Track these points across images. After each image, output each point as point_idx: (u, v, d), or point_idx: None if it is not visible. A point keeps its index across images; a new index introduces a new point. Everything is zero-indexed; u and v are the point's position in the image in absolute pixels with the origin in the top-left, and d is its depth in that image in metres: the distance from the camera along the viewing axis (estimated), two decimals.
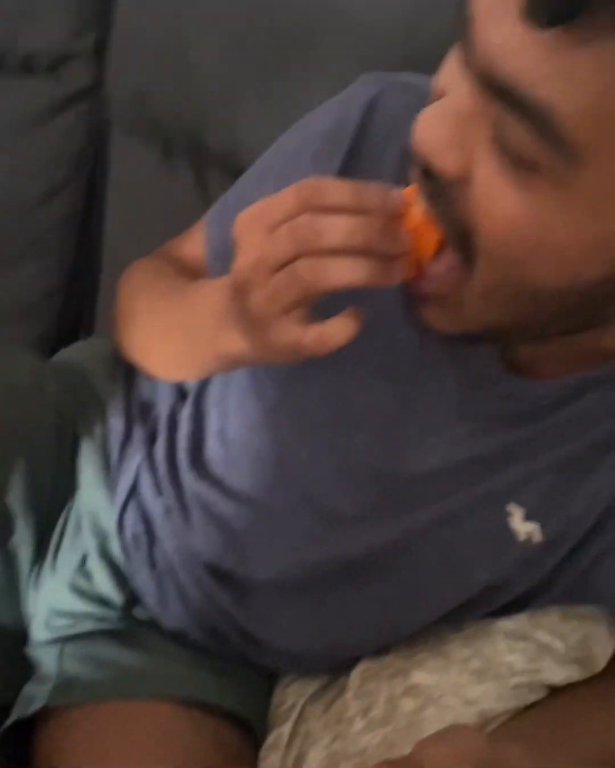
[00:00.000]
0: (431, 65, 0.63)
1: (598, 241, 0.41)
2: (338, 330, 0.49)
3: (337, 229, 0.45)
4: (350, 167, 0.62)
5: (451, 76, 0.43)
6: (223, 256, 0.68)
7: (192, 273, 0.77)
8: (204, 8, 0.87)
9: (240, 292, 0.50)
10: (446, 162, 0.43)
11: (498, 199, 0.42)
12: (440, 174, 0.44)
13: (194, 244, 0.78)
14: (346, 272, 0.46)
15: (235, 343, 0.55)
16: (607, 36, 0.34)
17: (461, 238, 0.46)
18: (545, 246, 0.42)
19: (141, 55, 0.94)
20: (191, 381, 0.77)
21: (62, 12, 0.98)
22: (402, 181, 0.59)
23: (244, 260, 0.49)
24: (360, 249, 0.46)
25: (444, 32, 0.72)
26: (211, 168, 0.97)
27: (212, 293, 0.62)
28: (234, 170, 0.93)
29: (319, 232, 0.46)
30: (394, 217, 0.46)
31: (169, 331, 0.70)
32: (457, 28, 0.41)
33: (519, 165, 0.40)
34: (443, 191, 0.45)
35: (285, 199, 0.47)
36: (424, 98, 0.60)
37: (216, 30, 0.87)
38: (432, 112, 0.43)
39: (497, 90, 0.39)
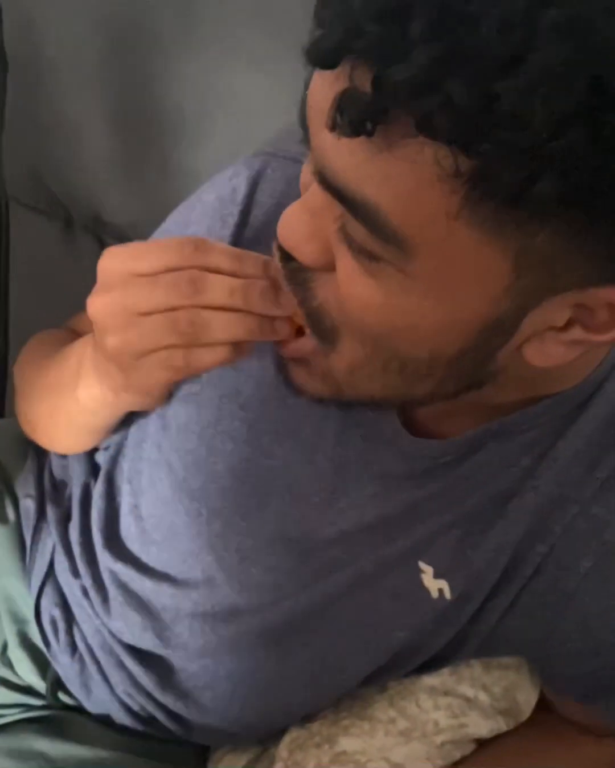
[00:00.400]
0: None
1: (447, 320, 0.43)
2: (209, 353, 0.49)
3: (219, 287, 0.47)
4: (241, 236, 0.63)
5: (305, 175, 0.45)
6: None
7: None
8: (91, 90, 0.88)
9: (99, 332, 0.50)
10: (305, 254, 0.45)
11: (355, 285, 0.44)
12: (305, 264, 0.46)
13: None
14: (227, 327, 0.47)
15: (91, 387, 0.55)
16: (408, 138, 0.36)
17: (315, 320, 0.48)
18: (402, 326, 0.44)
19: (33, 135, 0.94)
20: (75, 451, 0.77)
21: None
22: None
23: (103, 301, 0.49)
24: (239, 309, 0.47)
25: None
26: (112, 240, 0.98)
27: (78, 346, 0.62)
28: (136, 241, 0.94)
29: (200, 289, 0.46)
30: (273, 284, 0.48)
31: (43, 394, 0.70)
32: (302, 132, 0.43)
33: (364, 255, 0.42)
34: (300, 277, 0.47)
35: (166, 250, 0.47)
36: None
37: (105, 109, 0.88)
38: (292, 208, 0.45)
39: (331, 189, 0.41)
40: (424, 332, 0.44)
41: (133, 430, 0.76)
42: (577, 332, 0.44)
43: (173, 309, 0.47)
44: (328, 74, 0.38)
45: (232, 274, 0.47)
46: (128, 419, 0.79)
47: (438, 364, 0.46)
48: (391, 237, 0.39)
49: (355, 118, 0.36)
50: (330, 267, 0.45)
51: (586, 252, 0.39)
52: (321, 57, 0.37)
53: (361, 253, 0.42)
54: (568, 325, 0.44)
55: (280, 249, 0.47)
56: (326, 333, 0.48)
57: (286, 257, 0.47)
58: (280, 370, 0.55)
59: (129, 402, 0.60)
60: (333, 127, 0.37)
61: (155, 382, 0.51)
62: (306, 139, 0.43)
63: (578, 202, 0.36)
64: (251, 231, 0.63)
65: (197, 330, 0.47)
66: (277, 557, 0.65)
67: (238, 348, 0.49)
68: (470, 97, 0.33)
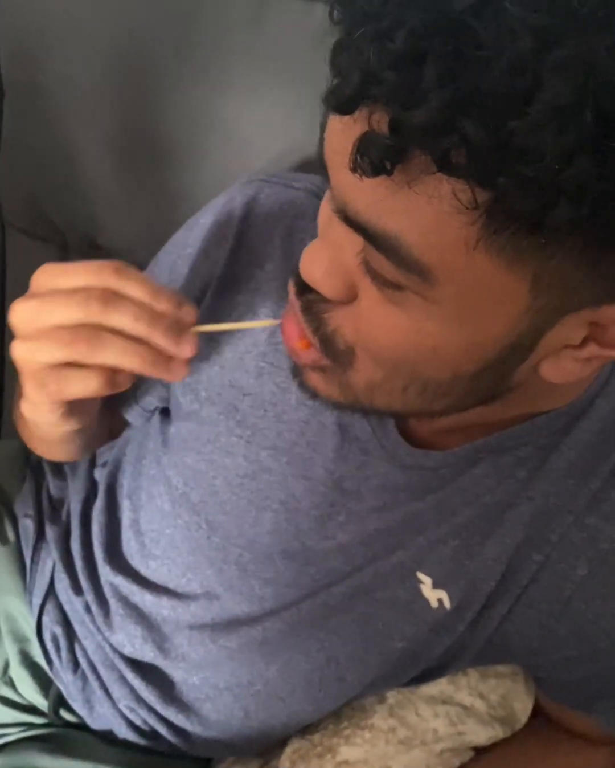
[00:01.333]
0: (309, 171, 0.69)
1: (469, 342, 0.46)
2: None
3: (127, 311, 0.48)
4: (236, 257, 0.65)
5: (324, 213, 0.48)
6: None
7: None
8: (85, 115, 0.90)
9: (14, 338, 0.51)
10: (327, 288, 0.47)
11: (379, 314, 0.46)
12: (327, 296, 0.48)
13: None
14: (122, 352, 0.48)
15: (28, 394, 0.54)
16: (426, 174, 0.38)
17: (329, 345, 0.50)
18: (425, 349, 0.46)
19: (30, 160, 0.96)
20: (68, 460, 0.78)
21: None
22: (285, 269, 0.63)
23: (22, 307, 0.49)
24: (141, 338, 0.48)
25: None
26: None
27: None
28: (132, 265, 0.96)
29: (109, 309, 0.48)
30: (179, 325, 0.49)
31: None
32: (322, 172, 0.45)
33: (387, 285, 0.44)
34: (314, 308, 0.49)
35: (89, 270, 0.49)
36: (300, 192, 0.65)
37: (101, 136, 0.90)
38: (314, 245, 0.48)
39: (353, 225, 0.43)
40: (446, 355, 0.46)
41: (132, 447, 0.78)
42: (592, 349, 0.46)
43: (80, 326, 0.48)
44: (346, 118, 0.40)
45: (145, 305, 0.48)
46: (126, 436, 0.80)
47: (458, 384, 0.49)
48: (414, 267, 0.42)
49: (375, 159, 0.38)
50: (350, 299, 0.47)
51: (600, 272, 0.41)
52: (340, 104, 0.39)
53: (384, 283, 0.44)
54: (583, 342, 0.46)
55: (297, 282, 0.49)
56: (340, 355, 0.50)
57: (302, 289, 0.49)
58: (295, 375, 0.56)
59: (46, 416, 0.56)
60: (354, 168, 0.39)
61: (49, 396, 0.51)
62: (326, 179, 0.45)
63: (590, 225, 0.38)
64: (245, 252, 0.65)
65: (92, 349, 0.48)
66: (277, 569, 0.67)
67: (112, 379, 0.50)
68: (485, 135, 0.35)
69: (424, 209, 0.40)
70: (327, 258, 0.47)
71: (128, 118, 0.88)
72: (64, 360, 0.49)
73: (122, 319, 0.48)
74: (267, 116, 0.85)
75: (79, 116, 0.90)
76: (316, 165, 0.82)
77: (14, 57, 0.94)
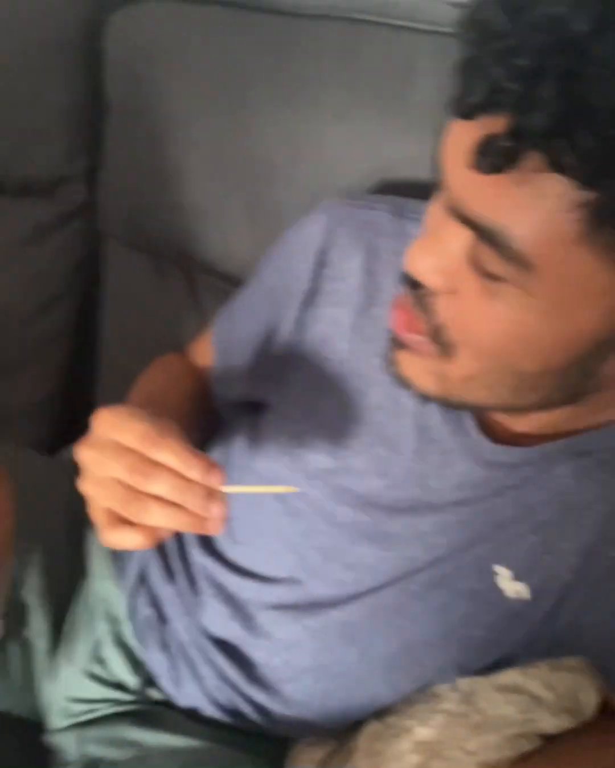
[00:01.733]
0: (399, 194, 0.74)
1: (562, 335, 0.50)
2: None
3: (162, 482, 0.54)
4: (322, 274, 0.71)
5: (434, 213, 0.54)
6: (224, 375, 0.80)
7: (202, 380, 0.85)
8: (188, 133, 0.96)
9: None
10: (433, 280, 0.53)
11: (479, 304, 0.52)
12: (432, 288, 0.53)
13: (202, 353, 0.87)
14: (161, 517, 0.54)
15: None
16: (539, 174, 0.44)
17: (437, 335, 0.55)
18: (520, 340, 0.51)
19: (131, 175, 1.03)
20: None
21: (56, 141, 1.08)
22: (367, 285, 0.68)
23: (86, 452, 0.56)
24: (178, 503, 0.54)
25: (411, 169, 0.84)
26: (201, 275, 1.05)
27: None
28: (222, 276, 1.02)
29: (148, 481, 0.54)
30: (209, 492, 0.54)
31: None
32: (436, 175, 0.52)
33: (490, 278, 0.50)
34: (424, 302, 0.55)
35: (135, 434, 0.54)
36: (381, 213, 0.70)
37: (200, 153, 0.96)
38: (421, 243, 0.54)
39: (465, 220, 0.49)
40: (539, 346, 0.51)
41: (220, 436, 0.83)
42: None
43: (129, 488, 0.54)
44: (468, 123, 0.46)
45: (180, 473, 0.54)
46: (214, 429, 0.86)
47: (548, 378, 0.53)
48: (519, 259, 0.47)
49: (494, 158, 0.44)
50: (454, 290, 0.53)
51: None
52: (466, 111, 0.46)
53: (486, 275, 0.50)
54: None
55: (408, 279, 0.55)
56: (446, 346, 0.55)
57: (412, 285, 0.55)
58: (389, 364, 0.61)
59: None
60: (475, 166, 0.45)
61: (104, 531, 0.57)
62: (441, 180, 0.51)
63: None
64: (330, 269, 0.71)
65: (139, 513, 0.54)
66: (358, 556, 0.71)
67: (156, 536, 0.56)
68: (593, 141, 0.41)
69: (534, 205, 0.45)
70: (434, 253, 0.52)
71: (225, 138, 0.95)
72: (117, 512, 0.55)
73: (160, 488, 0.54)
74: (355, 138, 0.90)
75: (180, 135, 0.97)
76: (399, 185, 0.88)
77: (120, 78, 1.01)
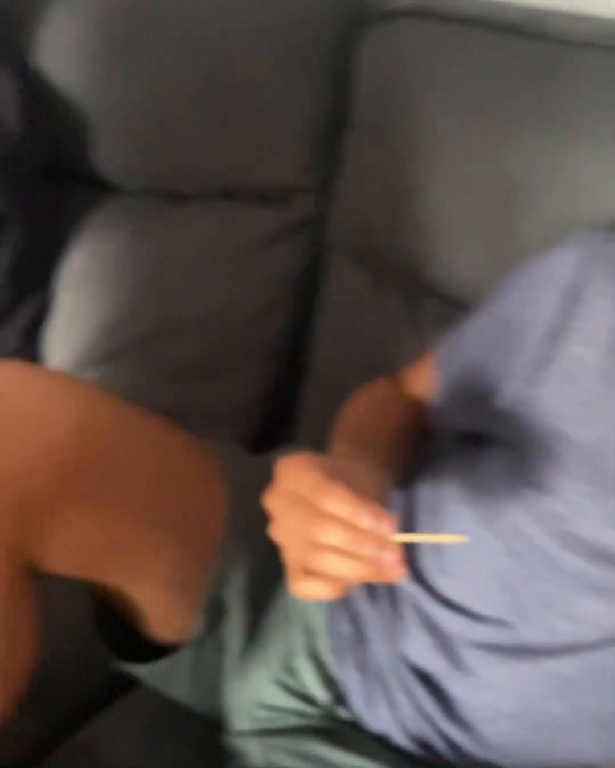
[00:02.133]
0: None
1: None
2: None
3: (334, 534, 0.53)
4: (569, 310, 0.69)
5: None
6: (447, 405, 0.79)
7: (417, 407, 0.84)
8: (434, 152, 0.96)
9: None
10: None
11: None
12: None
13: (421, 380, 0.85)
14: (340, 569, 0.54)
15: None
16: None
17: None
18: None
19: (367, 190, 1.04)
20: None
21: (294, 151, 1.10)
22: None
23: (271, 501, 0.58)
24: (352, 554, 0.53)
25: None
26: (422, 296, 1.04)
27: None
28: (445, 299, 1.01)
29: (321, 532, 0.53)
30: (381, 542, 0.53)
31: None
32: None
33: None
34: None
35: (308, 486, 0.55)
36: None
37: (444, 173, 0.95)
38: None
39: None
40: None
41: (430, 471, 0.81)
42: None
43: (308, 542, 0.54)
44: None
45: (350, 523, 0.53)
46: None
47: None
48: None
49: None
50: None
51: None
52: None
53: None
54: None
55: None
56: None
57: None
58: None
59: None
60: None
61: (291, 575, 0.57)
62: None
63: None
64: (580, 305, 0.68)
65: (320, 566, 0.54)
66: (581, 608, 0.68)
67: (342, 586, 0.55)
68: None
69: None
70: None
71: (474, 160, 0.94)
72: (295, 557, 0.56)
73: (333, 539, 0.53)
74: (613, 170, 0.87)
75: (426, 154, 0.97)
76: None
77: (372, 96, 1.02)
